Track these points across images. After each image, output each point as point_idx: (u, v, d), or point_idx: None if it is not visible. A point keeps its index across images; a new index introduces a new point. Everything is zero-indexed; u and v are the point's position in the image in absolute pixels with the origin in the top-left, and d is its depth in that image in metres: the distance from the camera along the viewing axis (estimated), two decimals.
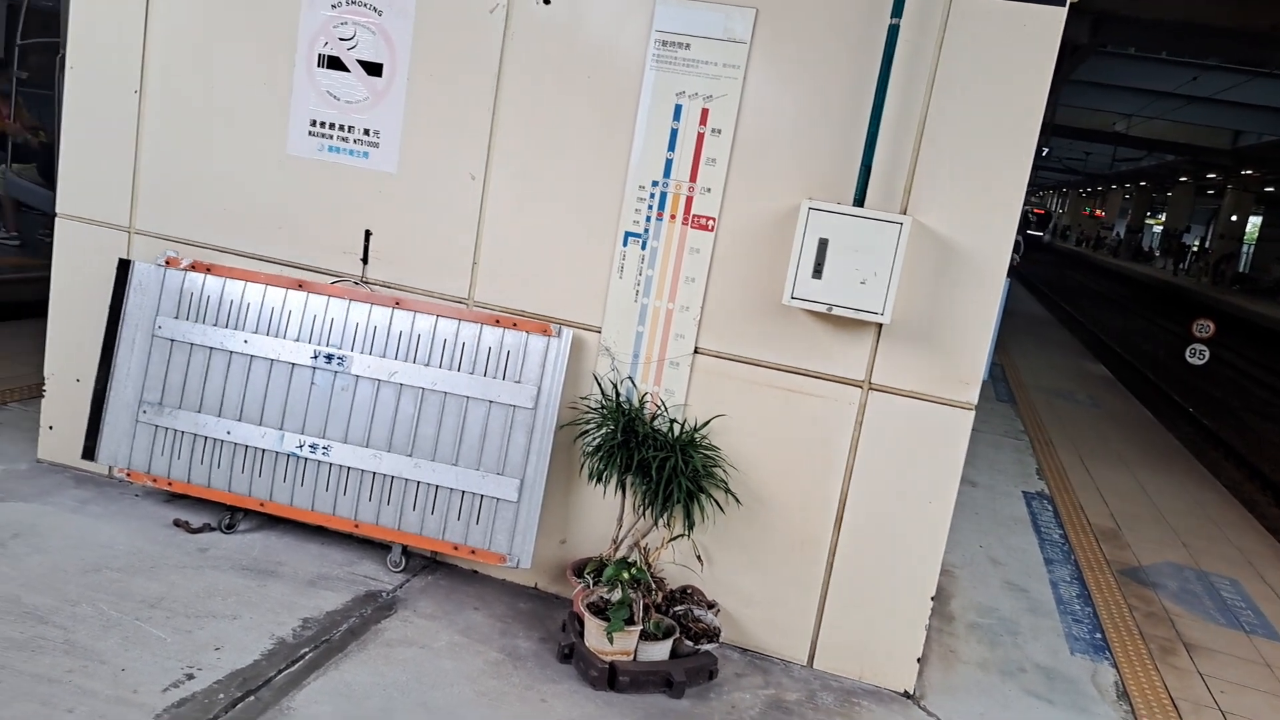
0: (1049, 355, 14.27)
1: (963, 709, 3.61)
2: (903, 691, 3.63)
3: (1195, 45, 17.03)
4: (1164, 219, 50.50)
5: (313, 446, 3.87)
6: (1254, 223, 42.59)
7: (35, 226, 9.07)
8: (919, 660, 3.63)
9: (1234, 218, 39.94)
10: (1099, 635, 4.46)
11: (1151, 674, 4.16)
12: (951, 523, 3.56)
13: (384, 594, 3.72)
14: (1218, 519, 6.81)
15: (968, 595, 4.69)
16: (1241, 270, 40.13)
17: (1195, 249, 45.49)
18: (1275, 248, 38.98)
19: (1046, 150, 30.39)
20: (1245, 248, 42.60)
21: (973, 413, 3.47)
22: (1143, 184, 49.74)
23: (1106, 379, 12.89)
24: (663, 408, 3.76)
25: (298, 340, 3.90)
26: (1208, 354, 13.95)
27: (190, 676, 2.96)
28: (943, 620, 4.35)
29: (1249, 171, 34.48)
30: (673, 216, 3.67)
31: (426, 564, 4.01)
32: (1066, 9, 3.23)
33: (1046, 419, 9.35)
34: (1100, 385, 12.23)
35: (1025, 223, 52.83)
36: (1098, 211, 63.22)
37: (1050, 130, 25.41)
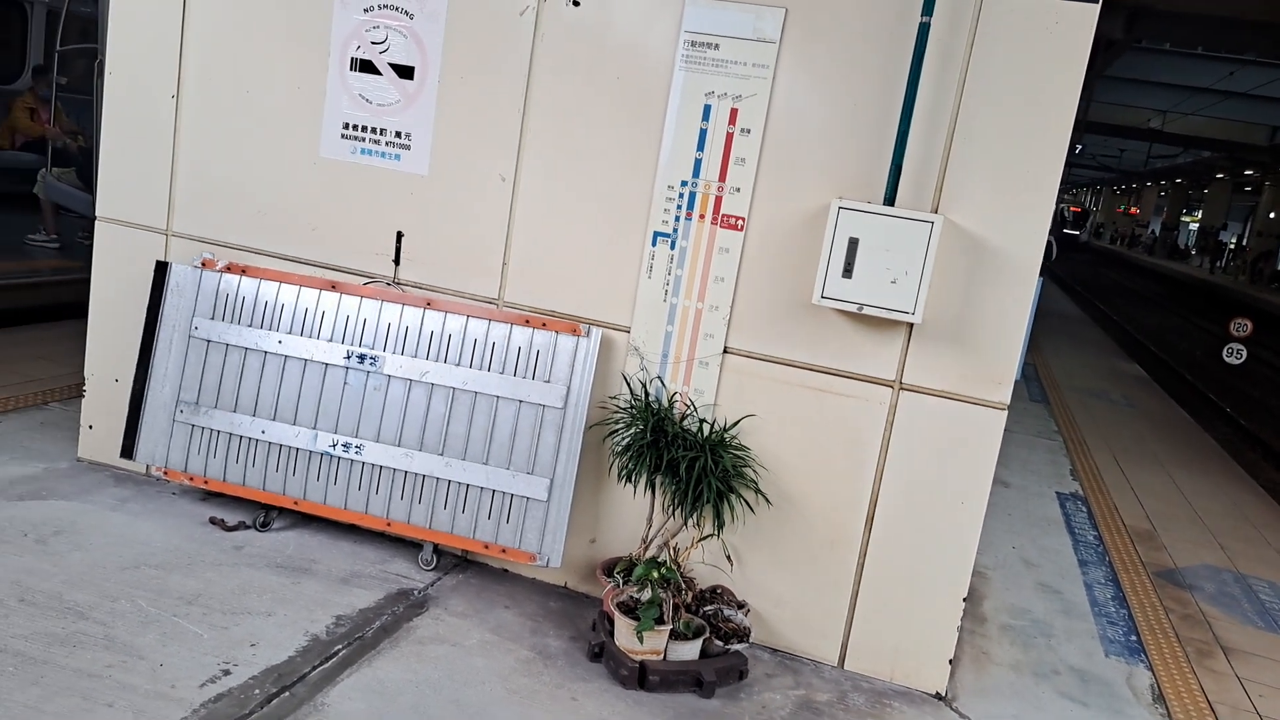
0: (1083, 354, 14.11)
1: (995, 711, 3.58)
2: (934, 693, 3.60)
3: (1232, 40, 16.77)
4: (1200, 216, 49.77)
5: (345, 446, 3.91)
6: None
7: (74, 230, 9.25)
8: (951, 662, 3.60)
9: (1272, 214, 39.25)
10: (1134, 638, 4.41)
11: (1188, 677, 4.11)
12: (984, 523, 3.53)
13: (416, 592, 3.75)
14: (1255, 520, 6.71)
15: (1000, 597, 4.65)
16: None
17: (1232, 246, 44.79)
18: None
19: (1080, 147, 30.08)
20: None
21: (1005, 413, 3.44)
22: (1178, 181, 49.06)
23: (1141, 378, 12.73)
24: (692, 407, 3.76)
25: (331, 341, 3.94)
26: (1245, 353, 13.74)
27: (226, 672, 3.00)
28: (975, 622, 4.31)
29: None
30: (702, 216, 3.68)
31: (458, 562, 4.04)
32: (1099, 6, 3.20)
33: (1080, 419, 9.25)
34: (1135, 385, 12.07)
35: (1061, 221, 50.09)
36: (1132, 209, 62.42)
37: (1084, 127, 25.16)
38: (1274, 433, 12.95)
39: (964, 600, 3.57)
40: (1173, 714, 3.77)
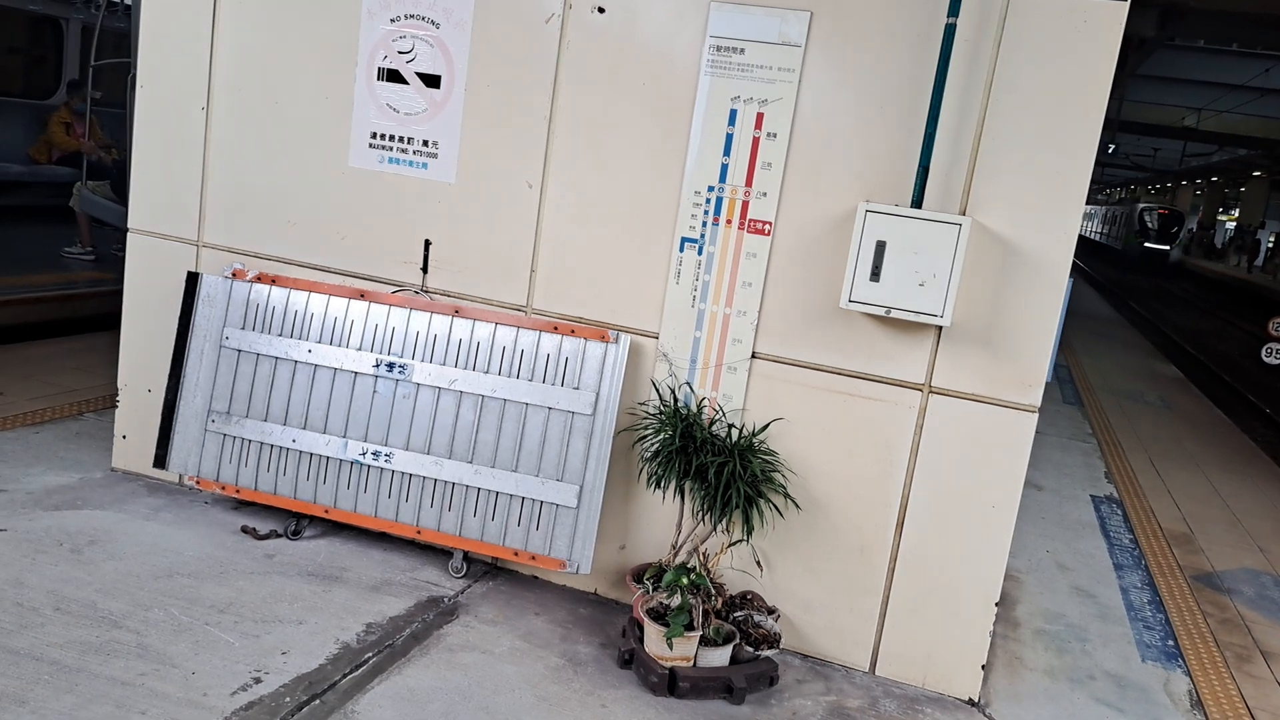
0: (1117, 356, 13.93)
1: (1029, 717, 3.53)
2: (967, 699, 3.56)
3: (1267, 37, 16.52)
4: (1237, 215, 48.89)
5: (375, 454, 3.94)
6: None
7: (109, 241, 9.39)
8: (983, 667, 3.56)
9: None
10: (1171, 642, 4.34)
11: (1227, 682, 4.04)
12: (1018, 527, 3.49)
13: (446, 599, 3.76)
14: None
15: (1034, 601, 4.59)
16: None
17: (1271, 245, 44.01)
18: None
19: (1113, 147, 29.71)
20: None
21: (1036, 415, 3.40)
22: (1214, 179, 48.27)
23: (1178, 380, 12.54)
24: (721, 413, 3.75)
25: (360, 349, 3.97)
26: None
27: (258, 680, 3.02)
28: (1008, 626, 4.26)
29: None
30: (729, 221, 3.67)
31: (487, 570, 4.05)
32: (1128, 4, 3.16)
33: (1115, 421, 9.13)
34: (1171, 386, 11.90)
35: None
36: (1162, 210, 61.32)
37: (1116, 126, 24.87)
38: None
39: (996, 605, 3.53)
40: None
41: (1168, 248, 40.58)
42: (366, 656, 3.26)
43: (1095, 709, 3.67)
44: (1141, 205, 42.63)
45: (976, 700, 3.56)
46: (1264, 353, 13.59)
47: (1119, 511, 6.20)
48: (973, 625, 3.54)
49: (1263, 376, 16.03)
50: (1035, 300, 3.36)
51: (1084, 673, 3.95)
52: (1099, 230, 54.75)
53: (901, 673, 3.65)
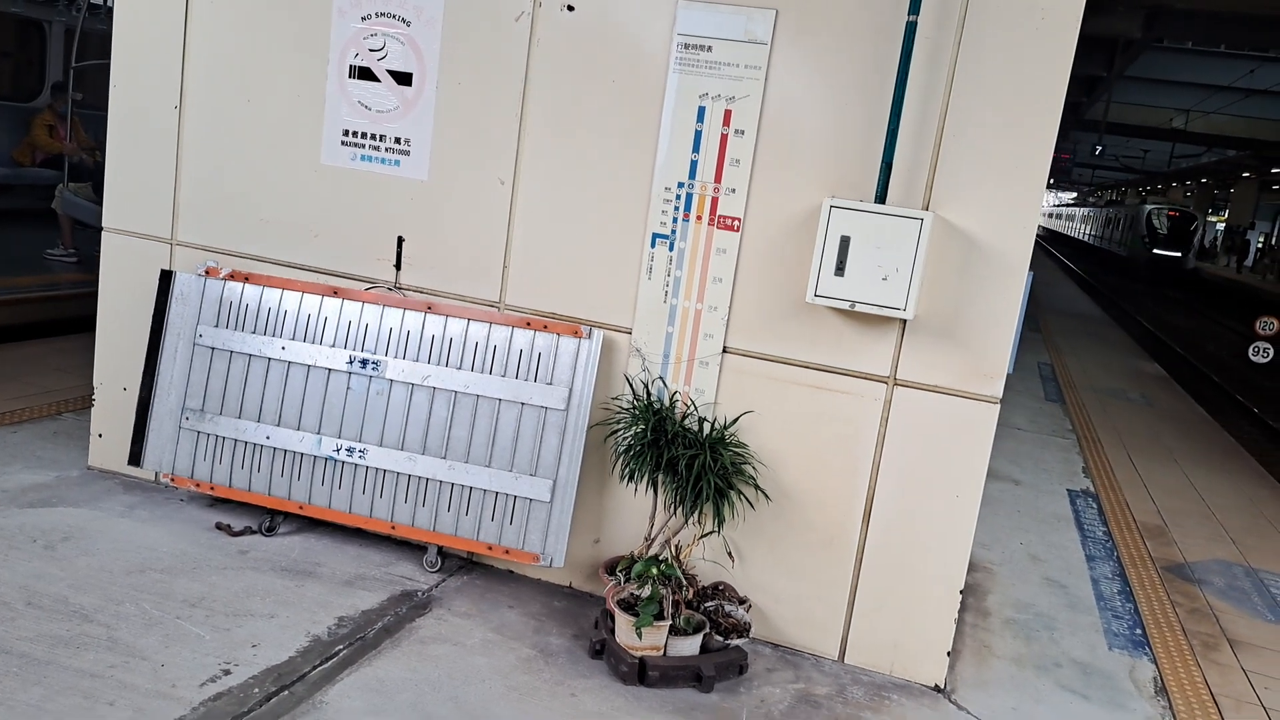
0: (1101, 354, 14.01)
1: (994, 703, 3.58)
2: (933, 685, 3.61)
3: (1254, 37, 16.64)
4: (1226, 216, 49.10)
5: (349, 450, 3.96)
6: None
7: (92, 243, 9.38)
8: (949, 654, 3.61)
9: None
10: (1139, 631, 4.39)
11: (1192, 669, 4.09)
12: (993, 520, 3.55)
13: (419, 593, 3.79)
14: (1272, 516, 6.64)
15: (1005, 591, 4.64)
16: None
17: (1261, 245, 44.21)
18: None
19: (1100, 148, 29.82)
20: None
21: (997, 406, 3.44)
22: (1204, 180, 48.47)
23: (1162, 378, 12.62)
24: (693, 407, 3.79)
25: (333, 346, 4.00)
26: (1272, 351, 13.59)
27: (227, 672, 3.05)
28: (978, 616, 4.31)
29: None
30: (699, 218, 3.71)
31: (462, 564, 4.08)
32: (1084, 2, 3.21)
33: (1096, 417, 9.19)
34: (1155, 384, 11.97)
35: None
36: None
37: (1104, 128, 24.99)
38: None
39: (961, 592, 3.57)
40: (1174, 706, 3.75)
41: (1180, 254, 36.59)
42: (337, 649, 3.29)
43: (1060, 695, 3.72)
44: (1149, 206, 38.47)
45: (942, 687, 3.60)
46: (1251, 351, 13.69)
47: (1094, 505, 6.26)
48: (938, 613, 3.59)
49: None
50: (996, 293, 3.40)
51: (1051, 660, 3.99)
52: (1096, 233, 50.73)
53: (869, 661, 3.69)
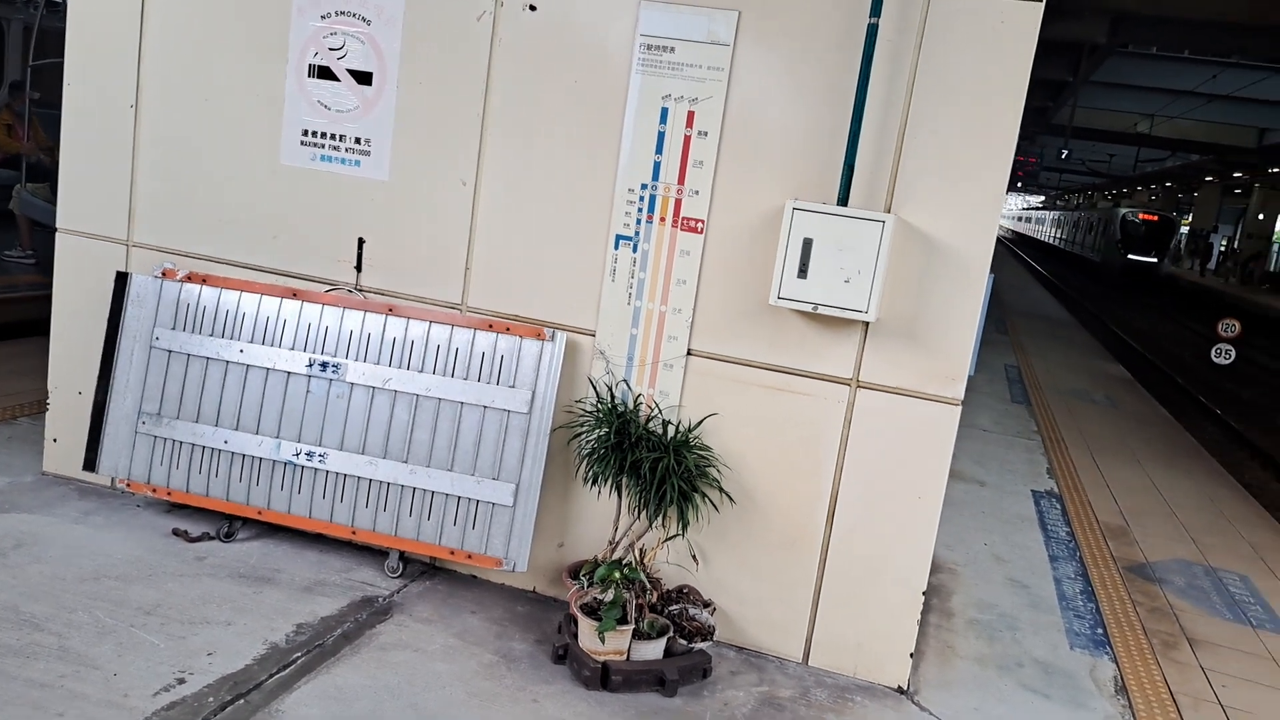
0: (1067, 356, 14.15)
1: (957, 703, 3.59)
2: (896, 687, 3.61)
3: (1216, 43, 16.89)
4: (1190, 219, 49.81)
5: (309, 454, 3.91)
6: None
7: (50, 244, 9.22)
8: (912, 655, 3.61)
9: (1261, 216, 39.46)
10: (1100, 631, 4.43)
11: (1152, 668, 4.12)
12: (957, 521, 3.56)
13: (380, 599, 3.75)
14: (1231, 516, 6.73)
15: (969, 592, 4.66)
16: (1271, 269, 39.63)
17: (1223, 249, 44.88)
18: None
19: (1066, 152, 30.14)
20: (1275, 247, 42.03)
21: (959, 408, 3.46)
22: (1168, 184, 49.14)
23: (1126, 380, 12.76)
24: (657, 409, 3.77)
25: (293, 349, 3.95)
26: (1234, 353, 13.79)
27: (181, 681, 3.00)
28: (942, 616, 4.32)
29: (1276, 169, 34.02)
30: (662, 219, 3.69)
31: (425, 569, 4.04)
32: (1043, 5, 3.23)
33: (1061, 419, 9.27)
34: (1119, 386, 12.10)
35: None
36: None
37: (1070, 132, 25.26)
38: (1262, 431, 12.99)
39: (924, 594, 3.58)
40: (1134, 704, 3.78)
41: (1156, 259, 35.42)
42: (295, 656, 3.25)
43: (1022, 695, 3.74)
44: (1124, 210, 37.34)
45: (906, 688, 3.61)
46: (1213, 353, 13.88)
47: (1058, 506, 6.31)
48: (901, 614, 3.59)
49: None
50: (957, 295, 3.42)
51: (1013, 660, 4.01)
52: (1067, 237, 49.70)
53: (833, 662, 3.69)
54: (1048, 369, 12.40)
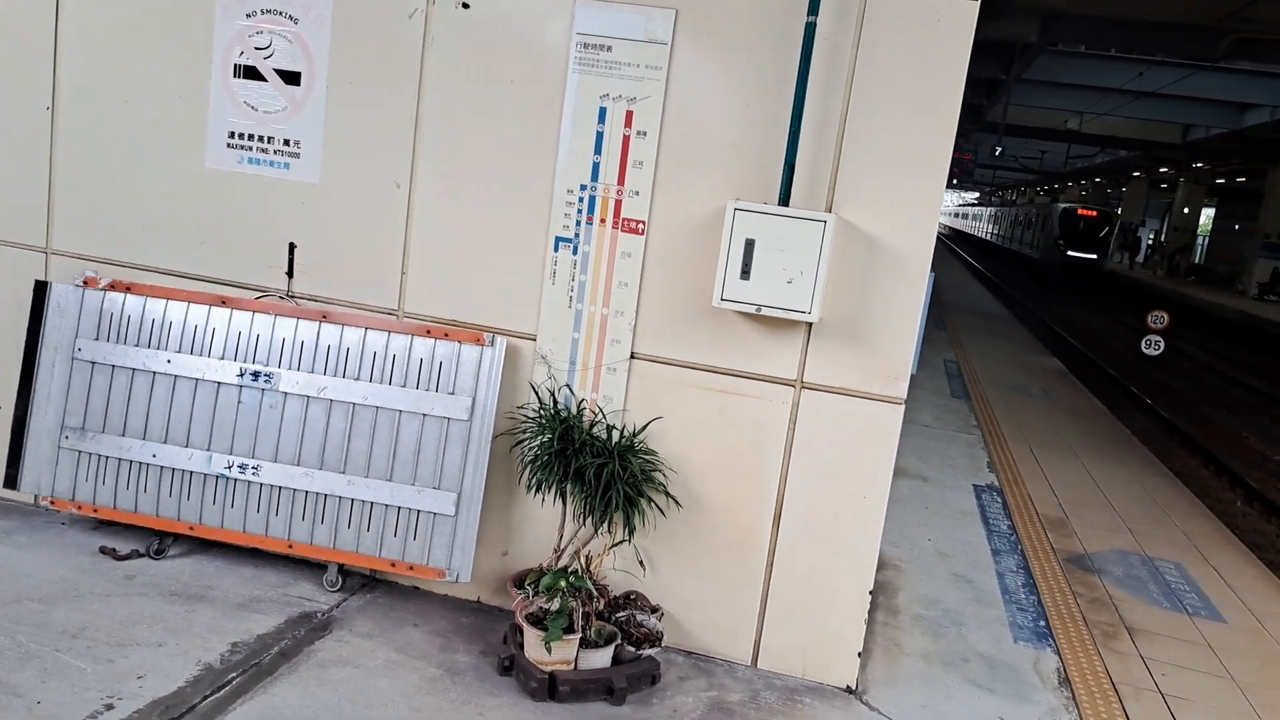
0: (1005, 352, 14.41)
1: (904, 701, 3.60)
2: (845, 687, 3.61)
3: (1142, 41, 17.31)
4: (1120, 213, 51.11)
5: (242, 467, 3.79)
6: (1207, 215, 43.36)
7: None
8: (860, 654, 3.61)
9: (1187, 210, 40.66)
10: (1042, 623, 4.48)
11: (1094, 659, 4.18)
12: (901, 517, 3.57)
13: (319, 614, 3.64)
14: (1165, 505, 6.88)
15: (914, 588, 4.69)
16: (1196, 262, 40.86)
17: (1151, 242, 46.16)
18: (1228, 239, 39.68)
19: (1000, 149, 30.70)
20: (1200, 239, 43.34)
21: (902, 407, 3.46)
22: (1098, 180, 50.38)
23: (1061, 373, 13.03)
24: (600, 414, 3.73)
25: (222, 358, 3.82)
26: (1163, 345, 14.15)
27: (110, 707, 2.87)
28: (888, 614, 4.34)
29: (1200, 164, 35.07)
30: (602, 220, 3.65)
31: (365, 582, 3.94)
32: (979, 3, 3.25)
33: (1000, 413, 9.42)
34: (1055, 379, 12.35)
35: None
36: None
37: (1003, 129, 25.74)
38: (1190, 420, 13.35)
39: (870, 593, 3.58)
40: (1077, 696, 3.83)
41: (1096, 255, 34.46)
42: (230, 677, 3.14)
43: (968, 690, 3.76)
44: (1062, 205, 36.56)
45: (854, 688, 3.61)
46: (1143, 345, 14.23)
47: (999, 499, 6.39)
48: (848, 614, 3.59)
49: None
50: (899, 295, 3.42)
51: (958, 656, 4.04)
52: (1004, 234, 48.61)
53: (782, 664, 3.67)
54: (986, 364, 12.60)
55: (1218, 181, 38.61)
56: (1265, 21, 13.53)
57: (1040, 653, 4.18)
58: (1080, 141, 32.56)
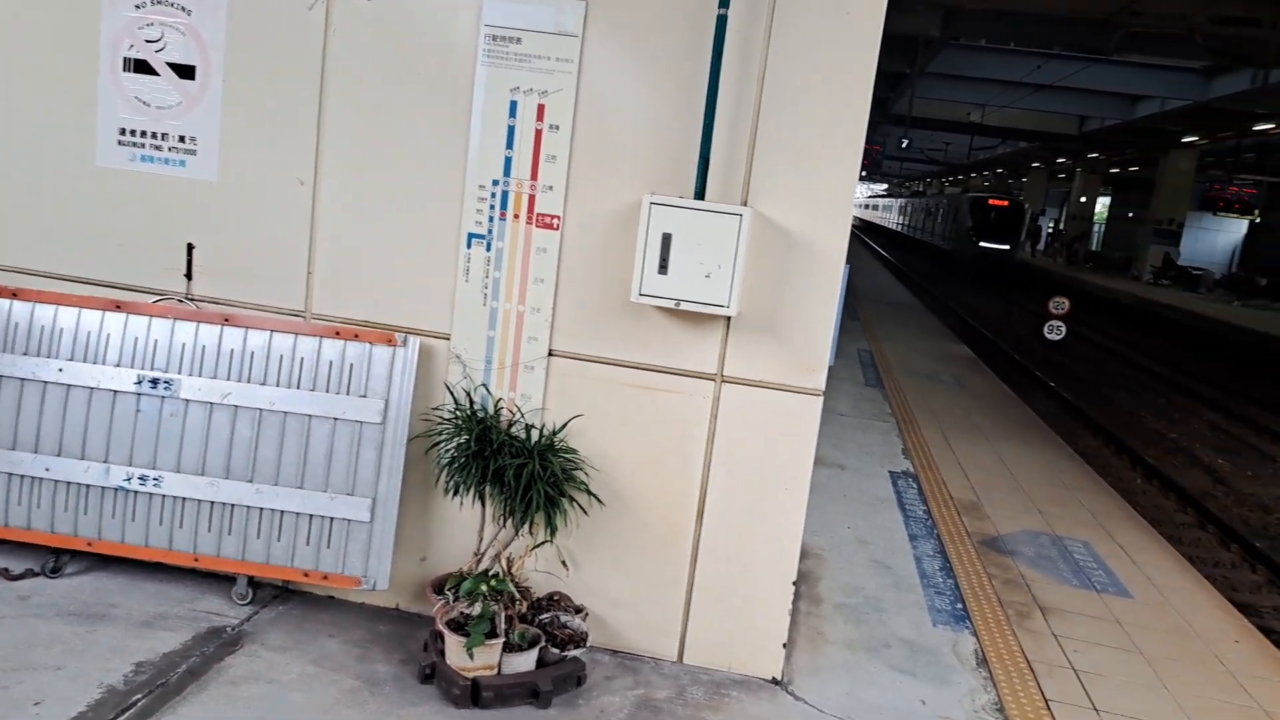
0: (916, 340, 14.73)
1: (829, 689, 3.63)
2: (770, 678, 3.62)
3: (1039, 35, 17.85)
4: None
5: (142, 478, 3.63)
6: (1103, 203, 45.07)
7: None
8: (785, 645, 3.63)
9: (1084, 199, 42.17)
10: (960, 606, 4.58)
11: (1009, 639, 4.29)
12: (822, 506, 3.60)
13: (229, 629, 3.51)
14: (1071, 485, 7.11)
15: (836, 576, 4.74)
16: (1094, 249, 42.43)
17: (1051, 231, 47.76)
18: (1123, 226, 41.30)
19: (906, 142, 31.37)
20: (1096, 227, 45.02)
21: (820, 399, 3.48)
22: (999, 171, 51.84)
23: (970, 359, 13.38)
24: (519, 413, 3.66)
25: (119, 365, 3.65)
26: (1064, 330, 14.62)
27: None
28: (811, 603, 4.38)
29: (1095, 155, 36.38)
30: (516, 216, 3.58)
31: (278, 593, 3.81)
32: None
33: (913, 400, 9.62)
34: (964, 365, 12.67)
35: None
36: None
37: (909, 122, 26.31)
38: (1090, 402, 13.84)
39: (794, 584, 3.60)
40: (994, 676, 3.92)
41: (1008, 247, 33.90)
42: (134, 699, 3.00)
43: (890, 675, 3.82)
44: (971, 196, 35.92)
45: (780, 679, 3.63)
46: (1046, 330, 14.67)
47: (915, 485, 6.52)
48: (772, 606, 3.61)
49: None
50: (815, 288, 3.44)
51: (880, 641, 4.10)
52: (914, 224, 48.59)
53: (708, 659, 3.67)
54: (898, 352, 12.86)
55: (1112, 171, 40.16)
56: (1153, 16, 14.10)
57: (958, 635, 4.27)
58: (982, 133, 33.38)
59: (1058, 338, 14.60)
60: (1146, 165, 35.33)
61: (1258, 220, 33.56)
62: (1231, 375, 17.86)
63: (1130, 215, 40.36)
